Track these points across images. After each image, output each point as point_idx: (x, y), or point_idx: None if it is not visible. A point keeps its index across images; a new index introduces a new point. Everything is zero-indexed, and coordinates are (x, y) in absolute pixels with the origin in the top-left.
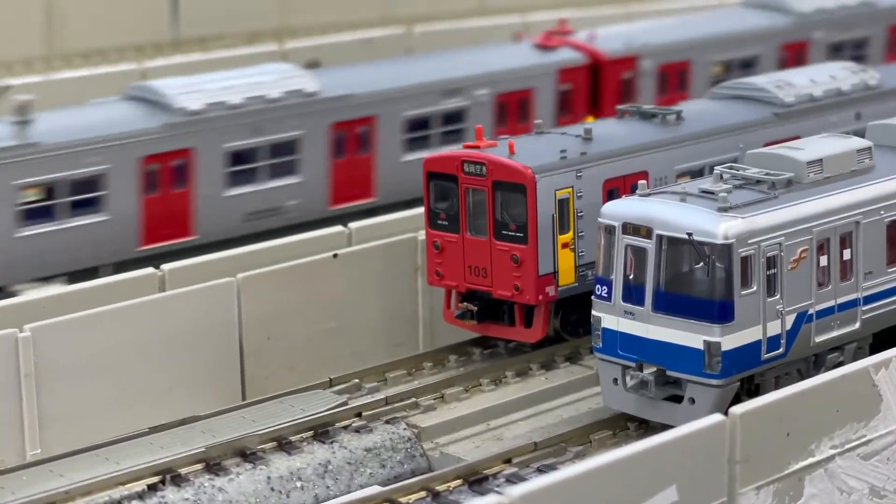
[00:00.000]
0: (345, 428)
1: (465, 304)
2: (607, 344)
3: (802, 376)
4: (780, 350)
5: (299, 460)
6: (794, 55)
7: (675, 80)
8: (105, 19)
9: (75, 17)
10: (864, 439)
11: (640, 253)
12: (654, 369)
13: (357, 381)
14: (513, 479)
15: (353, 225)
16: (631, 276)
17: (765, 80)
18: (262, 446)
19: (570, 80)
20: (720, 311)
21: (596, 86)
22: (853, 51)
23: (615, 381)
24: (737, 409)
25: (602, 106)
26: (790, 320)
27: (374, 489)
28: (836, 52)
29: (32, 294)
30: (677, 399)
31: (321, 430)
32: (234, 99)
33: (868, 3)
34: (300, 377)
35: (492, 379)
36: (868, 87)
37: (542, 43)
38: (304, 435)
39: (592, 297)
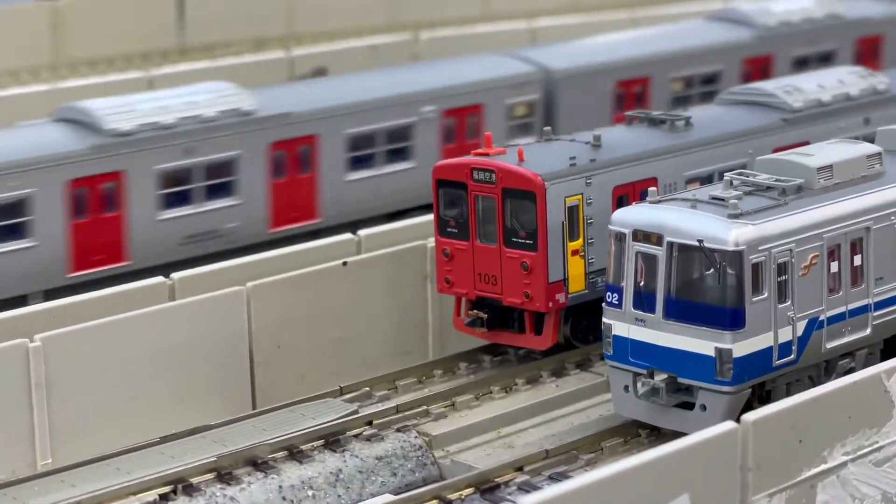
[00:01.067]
0: (356, 436)
1: (475, 311)
2: (618, 351)
3: (814, 383)
4: (792, 356)
5: (310, 469)
6: None
7: None
8: (111, 27)
9: (81, 26)
10: (876, 445)
11: (650, 260)
12: (665, 376)
13: (367, 389)
14: (524, 488)
15: (363, 232)
16: (641, 283)
17: (773, 86)
18: (273, 455)
19: None
20: (731, 318)
21: None
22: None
23: (626, 388)
24: (749, 417)
25: None
26: (801, 326)
27: (386, 497)
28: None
29: (42, 304)
30: (689, 406)
31: (332, 439)
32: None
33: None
34: (310, 386)
35: (502, 386)
36: (876, 91)
37: None
38: (315, 444)
39: (603, 304)
